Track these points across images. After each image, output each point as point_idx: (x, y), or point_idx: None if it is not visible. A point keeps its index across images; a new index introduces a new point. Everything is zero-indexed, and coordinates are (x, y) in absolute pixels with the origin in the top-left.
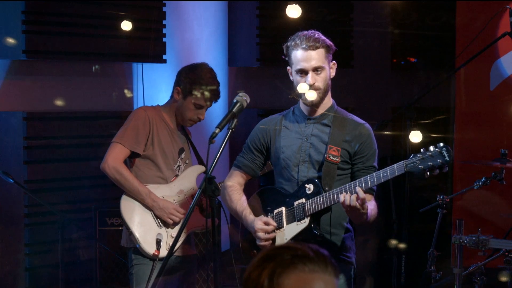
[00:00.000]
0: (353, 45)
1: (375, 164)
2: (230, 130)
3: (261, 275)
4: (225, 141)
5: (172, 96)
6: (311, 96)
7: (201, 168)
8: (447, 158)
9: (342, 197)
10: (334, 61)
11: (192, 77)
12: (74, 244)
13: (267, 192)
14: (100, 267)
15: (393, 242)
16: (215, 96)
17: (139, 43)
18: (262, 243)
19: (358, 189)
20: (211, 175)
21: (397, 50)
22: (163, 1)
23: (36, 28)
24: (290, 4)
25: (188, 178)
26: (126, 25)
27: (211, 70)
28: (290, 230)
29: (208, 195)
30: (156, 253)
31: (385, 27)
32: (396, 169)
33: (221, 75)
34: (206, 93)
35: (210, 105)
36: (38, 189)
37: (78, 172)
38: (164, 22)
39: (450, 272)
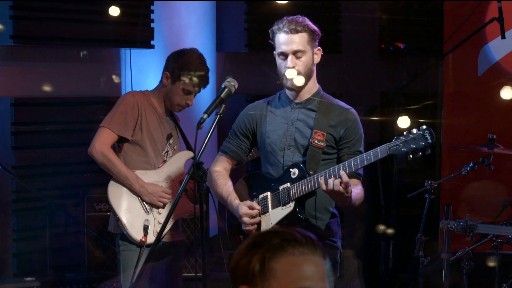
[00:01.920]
0: (341, 31)
1: (362, 149)
2: (218, 116)
3: (251, 261)
4: (213, 126)
5: (161, 81)
6: (295, 82)
7: (190, 154)
8: (430, 141)
9: (326, 181)
10: (319, 47)
11: (181, 62)
12: (62, 229)
13: (252, 177)
14: (88, 253)
15: (381, 227)
16: (203, 82)
17: (127, 29)
18: (247, 227)
19: (342, 172)
20: (199, 161)
21: (385, 36)
22: None
23: (23, 13)
24: None
25: (176, 164)
26: (114, 11)
27: (200, 56)
28: (275, 215)
29: (196, 180)
30: (143, 239)
31: (373, 13)
32: (379, 152)
33: (209, 60)
34: (195, 79)
35: (199, 91)
36: (26, 175)
37: (66, 158)
38: (152, 7)
39: (438, 257)
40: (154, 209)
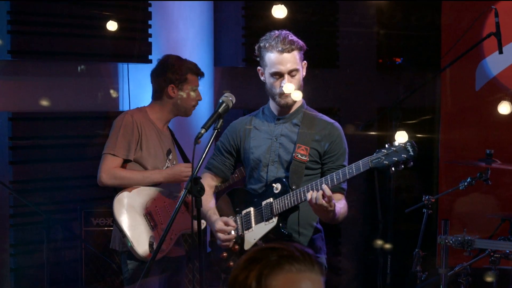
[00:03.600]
0: (338, 45)
1: (345, 163)
2: (216, 131)
3: (248, 277)
4: (210, 141)
5: (159, 98)
6: (290, 98)
7: None
8: (412, 153)
9: (309, 195)
10: (305, 61)
11: (179, 69)
12: (60, 244)
13: (235, 192)
14: (86, 268)
15: (379, 242)
16: (200, 70)
17: (124, 43)
18: (222, 244)
19: (324, 186)
20: (197, 176)
21: (383, 50)
22: (149, 1)
23: (21, 28)
24: (275, 4)
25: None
26: (112, 25)
27: (175, 56)
28: (258, 230)
29: (194, 195)
30: (149, 256)
31: (371, 27)
32: (361, 165)
33: (207, 75)
34: (196, 72)
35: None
36: (24, 189)
37: (63, 172)
38: (149, 22)
39: (435, 272)
40: (159, 226)
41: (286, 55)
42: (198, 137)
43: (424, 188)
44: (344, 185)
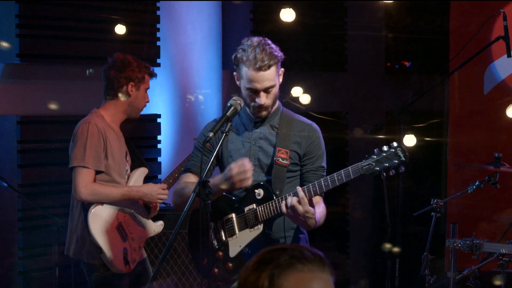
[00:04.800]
0: (347, 49)
1: (324, 164)
2: (224, 134)
3: (260, 278)
4: (219, 144)
5: (116, 96)
6: (264, 112)
7: (145, 171)
8: (403, 159)
9: (283, 206)
10: (282, 69)
11: (137, 67)
12: None
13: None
14: None
15: (387, 245)
16: (153, 72)
17: (133, 47)
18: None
19: (299, 188)
20: (205, 179)
21: (391, 54)
22: (157, 5)
23: (30, 31)
24: (284, 8)
25: (138, 183)
26: (120, 29)
27: (128, 54)
28: (243, 237)
29: (202, 198)
30: (125, 270)
31: (379, 31)
32: (351, 172)
33: (215, 78)
34: (151, 73)
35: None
36: (32, 192)
37: (72, 175)
38: (158, 25)
39: (444, 275)
40: (129, 237)
41: (262, 73)
42: (207, 140)
43: (432, 191)
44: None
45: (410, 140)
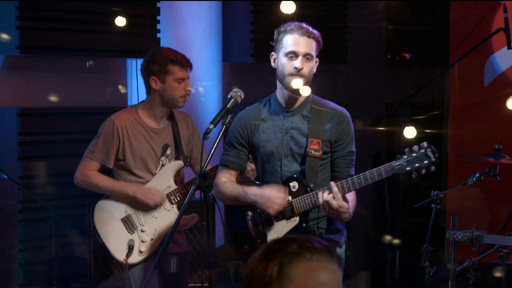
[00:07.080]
0: (347, 41)
1: (353, 148)
2: (224, 126)
3: (268, 267)
4: (219, 136)
5: (149, 92)
6: (298, 83)
7: (179, 164)
8: (433, 159)
9: (320, 199)
10: (317, 58)
11: (159, 60)
12: (68, 240)
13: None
14: (95, 263)
15: (387, 237)
16: (187, 61)
17: (133, 39)
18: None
19: (333, 184)
20: (205, 171)
21: (391, 46)
22: None
23: (30, 24)
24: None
25: (164, 177)
26: (121, 21)
27: (164, 47)
28: (280, 228)
29: (202, 190)
30: (124, 261)
31: (379, 23)
32: (383, 172)
33: (216, 70)
34: (180, 62)
35: (188, 75)
36: (32, 185)
37: (72, 168)
38: (158, 18)
39: (444, 267)
40: (138, 228)
41: (305, 38)
42: (207, 132)
43: (432, 183)
44: (352, 171)
45: (410, 132)
